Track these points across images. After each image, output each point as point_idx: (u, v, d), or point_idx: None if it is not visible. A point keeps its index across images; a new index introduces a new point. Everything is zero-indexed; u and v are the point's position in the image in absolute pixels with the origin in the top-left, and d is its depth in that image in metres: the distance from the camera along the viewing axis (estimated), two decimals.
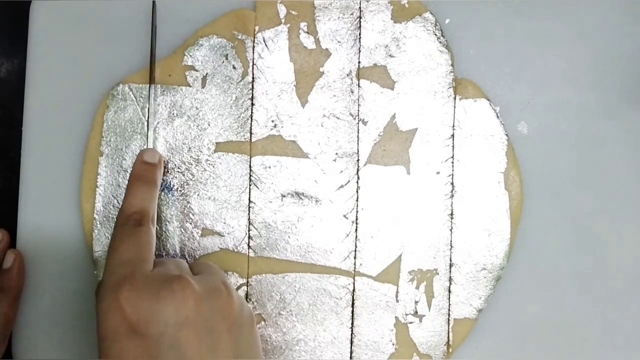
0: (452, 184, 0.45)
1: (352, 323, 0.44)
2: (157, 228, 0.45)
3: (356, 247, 0.45)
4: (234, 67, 0.45)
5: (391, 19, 0.45)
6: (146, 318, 0.34)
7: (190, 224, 0.45)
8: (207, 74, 0.45)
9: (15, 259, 0.44)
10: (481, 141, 0.45)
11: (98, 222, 0.45)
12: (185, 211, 0.45)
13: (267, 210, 0.45)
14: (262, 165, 0.45)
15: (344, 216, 0.45)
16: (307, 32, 0.45)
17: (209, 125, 0.45)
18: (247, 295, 0.45)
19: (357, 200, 0.45)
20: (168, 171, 0.44)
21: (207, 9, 0.46)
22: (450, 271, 0.45)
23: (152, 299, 0.34)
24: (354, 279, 0.45)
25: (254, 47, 0.45)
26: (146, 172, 0.42)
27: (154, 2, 0.43)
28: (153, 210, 0.40)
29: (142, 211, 0.39)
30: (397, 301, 0.44)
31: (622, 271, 0.45)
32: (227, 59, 0.45)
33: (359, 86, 0.45)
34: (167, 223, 0.45)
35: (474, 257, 0.45)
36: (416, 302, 0.44)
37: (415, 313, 0.44)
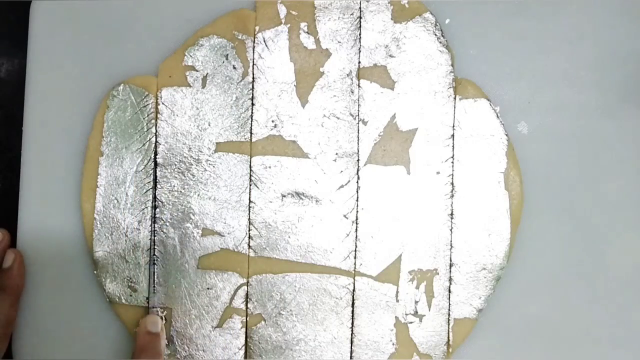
0: (452, 183, 0.45)
1: (352, 323, 0.44)
2: (157, 228, 0.45)
3: (356, 247, 0.45)
4: (234, 67, 0.45)
5: (391, 19, 0.45)
6: None
7: (191, 224, 0.45)
8: (207, 74, 0.45)
9: (16, 258, 0.44)
10: (481, 141, 0.45)
11: (98, 222, 0.45)
12: (186, 211, 0.45)
13: (267, 210, 0.45)
14: (262, 165, 0.45)
15: (344, 216, 0.45)
16: (308, 32, 0.45)
17: (209, 125, 0.45)
18: (247, 295, 0.45)
19: (357, 200, 0.45)
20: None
21: (207, 9, 0.46)
22: (450, 271, 0.45)
23: None
24: (354, 278, 0.45)
25: (254, 47, 0.45)
26: (151, 344, 0.43)
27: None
28: None
29: None
30: (397, 301, 0.44)
31: (622, 271, 0.45)
32: (227, 59, 0.45)
33: (359, 86, 0.45)
34: (168, 224, 0.45)
35: (474, 257, 0.45)
36: (416, 302, 0.44)
37: (416, 313, 0.44)
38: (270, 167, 0.45)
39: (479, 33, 0.46)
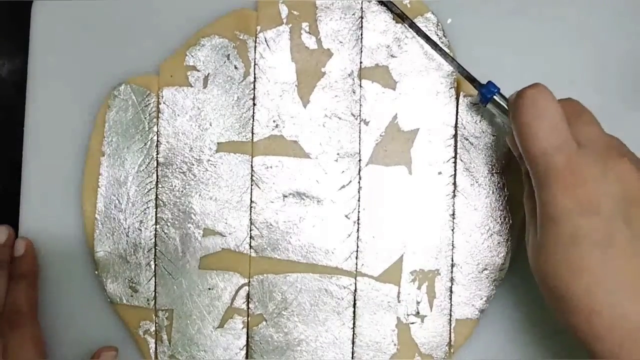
0: (454, 184, 0.45)
1: (354, 323, 0.44)
2: (158, 229, 0.45)
3: (358, 247, 0.45)
4: (235, 67, 0.45)
5: (393, 19, 0.45)
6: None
7: (192, 224, 0.45)
8: (208, 74, 0.45)
9: (27, 245, 0.45)
10: (483, 142, 0.45)
11: (99, 223, 0.45)
12: (187, 211, 0.45)
13: (268, 210, 0.45)
14: (263, 165, 0.45)
15: (346, 216, 0.45)
16: (309, 32, 0.45)
17: (210, 125, 0.45)
18: (248, 296, 0.45)
19: (358, 201, 0.45)
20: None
21: (208, 9, 0.46)
22: (452, 271, 0.44)
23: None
24: (355, 279, 0.44)
25: (255, 47, 0.45)
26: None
27: None
28: None
29: None
30: (399, 301, 0.44)
31: None
32: (228, 59, 0.45)
33: (360, 86, 0.45)
34: (169, 224, 0.45)
35: (476, 257, 0.44)
36: (418, 303, 0.44)
37: (417, 313, 0.44)
38: (271, 167, 0.45)
39: (480, 33, 0.46)
